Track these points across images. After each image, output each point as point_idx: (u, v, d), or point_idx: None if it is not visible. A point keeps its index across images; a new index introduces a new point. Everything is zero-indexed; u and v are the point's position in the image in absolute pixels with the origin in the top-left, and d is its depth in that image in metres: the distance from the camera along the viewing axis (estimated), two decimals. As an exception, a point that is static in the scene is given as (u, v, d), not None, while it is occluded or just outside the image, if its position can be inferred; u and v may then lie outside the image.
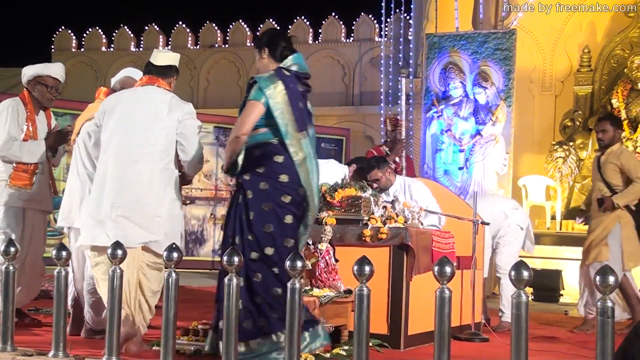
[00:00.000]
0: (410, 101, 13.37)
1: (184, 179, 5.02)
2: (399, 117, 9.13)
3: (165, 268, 3.99)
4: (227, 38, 15.97)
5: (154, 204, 4.72)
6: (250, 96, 4.49)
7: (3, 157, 5.83)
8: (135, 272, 4.75)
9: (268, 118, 4.43)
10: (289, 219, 4.40)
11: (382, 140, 8.73)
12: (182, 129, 4.81)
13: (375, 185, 6.48)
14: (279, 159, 4.42)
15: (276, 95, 4.41)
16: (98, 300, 5.10)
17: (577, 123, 12.17)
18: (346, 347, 4.95)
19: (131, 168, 4.73)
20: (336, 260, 5.41)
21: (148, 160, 4.74)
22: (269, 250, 4.35)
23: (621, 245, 7.01)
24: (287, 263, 3.64)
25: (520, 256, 7.22)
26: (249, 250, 4.36)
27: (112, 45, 16.51)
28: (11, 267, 4.49)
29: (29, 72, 5.97)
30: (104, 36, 16.63)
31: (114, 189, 4.72)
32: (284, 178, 4.40)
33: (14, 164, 5.85)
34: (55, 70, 6.00)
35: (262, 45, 4.64)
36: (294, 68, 4.54)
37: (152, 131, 4.77)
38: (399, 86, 13.06)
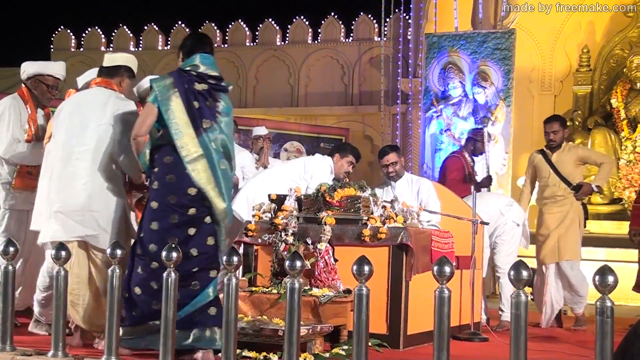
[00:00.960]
0: (410, 101, 13.39)
1: (132, 182, 5.18)
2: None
3: (109, 265, 4.16)
4: (227, 38, 15.96)
5: (87, 199, 4.86)
6: (148, 98, 4.69)
7: (8, 160, 5.80)
8: (86, 268, 4.87)
9: (162, 119, 4.58)
10: (174, 218, 4.51)
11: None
12: (115, 125, 4.94)
13: (390, 169, 6.56)
14: (168, 159, 4.54)
15: (168, 96, 4.55)
16: (50, 296, 5.09)
17: (577, 123, 12.17)
18: (345, 347, 4.95)
19: (69, 166, 4.91)
20: (335, 260, 5.41)
21: (82, 158, 4.90)
22: (152, 247, 4.51)
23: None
24: (287, 263, 3.65)
25: (519, 256, 7.23)
26: (137, 246, 4.60)
27: (112, 45, 16.50)
28: (10, 267, 4.48)
29: (30, 69, 5.91)
30: (103, 36, 16.63)
31: (54, 187, 4.94)
32: (170, 178, 4.52)
33: (17, 166, 5.83)
34: (57, 69, 5.96)
35: (178, 49, 4.87)
36: (196, 68, 4.66)
37: (87, 129, 4.94)
38: (398, 86, 13.06)
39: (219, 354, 4.51)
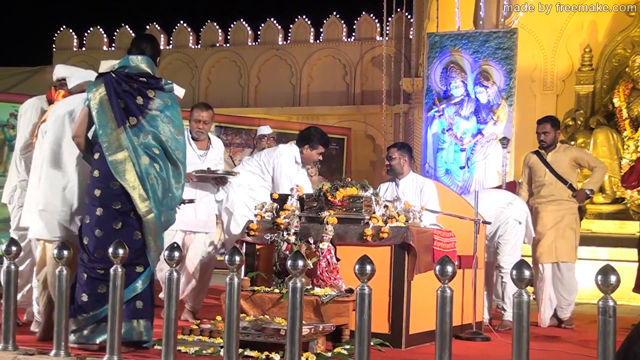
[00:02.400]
0: (411, 100, 13.38)
1: None
2: None
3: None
4: (228, 37, 15.96)
5: (70, 200, 5.01)
6: (84, 102, 4.93)
7: (26, 158, 5.81)
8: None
9: (94, 120, 4.77)
10: (99, 211, 4.71)
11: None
12: None
13: (387, 163, 6.67)
14: (96, 156, 4.78)
15: (95, 97, 4.78)
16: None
17: (579, 122, 12.16)
18: (347, 347, 4.95)
19: (55, 167, 5.06)
20: (337, 260, 5.41)
21: (68, 160, 5.04)
22: (85, 240, 4.75)
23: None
24: (289, 262, 3.65)
25: (522, 255, 7.22)
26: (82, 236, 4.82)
27: (113, 45, 16.50)
28: (13, 267, 4.49)
29: (59, 72, 5.87)
30: (105, 35, 16.62)
31: (41, 186, 5.12)
32: (96, 173, 4.76)
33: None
34: (84, 76, 5.90)
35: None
36: (125, 69, 4.86)
37: (56, 129, 5.08)
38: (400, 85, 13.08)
39: (145, 345, 4.70)
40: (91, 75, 5.56)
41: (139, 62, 4.88)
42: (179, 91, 6.03)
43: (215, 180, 6.41)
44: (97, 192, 4.72)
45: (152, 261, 4.76)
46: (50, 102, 5.87)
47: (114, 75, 4.83)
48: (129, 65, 4.86)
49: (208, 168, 6.35)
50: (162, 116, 4.80)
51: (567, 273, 7.27)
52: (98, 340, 4.63)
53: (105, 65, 5.07)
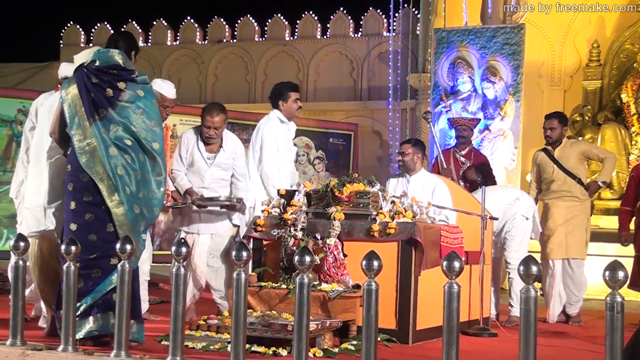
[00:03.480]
0: (418, 96, 13.37)
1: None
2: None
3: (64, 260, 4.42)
4: (235, 33, 15.96)
5: (48, 196, 5.06)
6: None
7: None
8: (53, 256, 4.99)
9: (65, 116, 4.80)
10: (72, 205, 4.73)
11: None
12: None
13: (399, 158, 6.68)
14: (69, 151, 4.82)
15: (68, 93, 4.81)
16: None
17: (586, 118, 12.13)
18: (354, 342, 4.95)
19: (38, 163, 5.16)
20: (344, 255, 5.42)
21: (48, 156, 5.11)
22: (63, 235, 4.75)
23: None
24: (296, 258, 3.66)
25: (530, 251, 7.21)
26: None
27: (121, 41, 16.52)
28: (21, 262, 4.50)
29: (63, 71, 5.92)
30: (112, 31, 16.63)
31: (27, 183, 5.26)
32: (68, 168, 4.80)
33: None
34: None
35: None
36: (94, 63, 4.84)
37: (44, 127, 5.13)
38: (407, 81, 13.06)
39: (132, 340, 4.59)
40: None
41: (110, 55, 4.87)
42: (169, 90, 5.98)
43: (221, 207, 6.29)
44: (70, 186, 4.75)
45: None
46: None
47: (85, 70, 4.84)
48: (99, 58, 4.85)
49: (210, 197, 6.21)
50: (134, 107, 4.78)
51: (577, 269, 7.27)
52: (80, 335, 4.55)
53: (65, 67, 5.18)
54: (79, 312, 4.57)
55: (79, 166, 4.68)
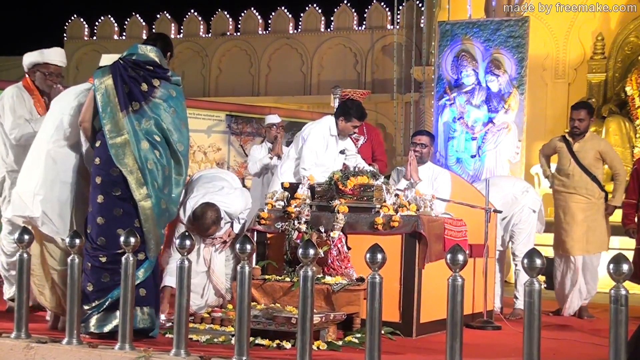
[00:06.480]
0: (422, 89, 13.35)
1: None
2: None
3: (68, 254, 4.45)
4: (239, 26, 15.93)
5: (37, 184, 4.98)
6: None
7: (18, 139, 5.78)
8: (39, 246, 4.92)
9: (97, 105, 4.81)
10: (100, 198, 4.72)
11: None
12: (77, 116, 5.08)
13: (417, 149, 6.59)
14: (98, 143, 4.81)
15: (102, 82, 4.83)
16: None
17: (591, 111, 12.10)
18: (358, 335, 4.96)
19: (34, 153, 5.11)
20: (348, 248, 5.42)
21: (44, 148, 5.06)
22: (89, 228, 4.77)
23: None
24: (300, 251, 3.66)
25: (536, 244, 7.20)
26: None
27: (124, 34, 16.50)
28: (25, 255, 4.51)
29: (26, 60, 6.00)
30: (115, 24, 16.62)
31: (22, 168, 5.20)
32: (97, 161, 4.78)
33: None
34: (52, 56, 5.96)
35: None
36: (132, 56, 4.89)
37: (55, 122, 5.09)
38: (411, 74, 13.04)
39: (151, 334, 4.69)
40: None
41: (148, 51, 4.92)
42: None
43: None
44: (98, 180, 4.73)
45: (148, 250, 4.70)
46: (29, 90, 5.98)
47: (121, 62, 4.87)
48: (137, 53, 4.89)
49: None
50: (166, 105, 4.82)
51: (595, 262, 7.27)
52: (106, 330, 4.60)
53: (106, 59, 5.11)
54: (104, 307, 4.59)
55: (109, 159, 4.68)
